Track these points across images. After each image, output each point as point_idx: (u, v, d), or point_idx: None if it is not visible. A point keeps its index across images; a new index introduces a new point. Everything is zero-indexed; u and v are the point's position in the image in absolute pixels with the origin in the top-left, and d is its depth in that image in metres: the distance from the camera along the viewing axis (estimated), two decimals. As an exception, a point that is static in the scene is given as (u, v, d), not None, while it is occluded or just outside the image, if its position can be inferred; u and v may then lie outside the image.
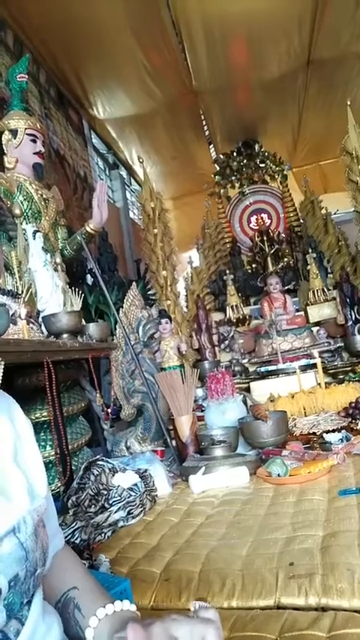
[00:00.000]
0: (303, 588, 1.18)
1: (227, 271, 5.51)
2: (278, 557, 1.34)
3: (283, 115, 7.42)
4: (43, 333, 2.38)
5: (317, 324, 4.69)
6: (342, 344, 4.33)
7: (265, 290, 5.10)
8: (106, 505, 1.92)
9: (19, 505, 0.62)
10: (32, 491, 0.66)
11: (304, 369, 3.79)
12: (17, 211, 2.60)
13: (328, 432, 2.56)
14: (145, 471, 2.23)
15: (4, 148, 2.83)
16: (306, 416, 2.89)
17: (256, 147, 7.19)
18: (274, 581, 1.23)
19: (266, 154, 7.03)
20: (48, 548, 0.67)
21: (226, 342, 4.82)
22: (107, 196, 3.33)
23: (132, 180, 9.50)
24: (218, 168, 7.15)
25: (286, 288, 5.28)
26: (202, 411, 3.17)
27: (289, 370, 3.89)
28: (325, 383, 3.21)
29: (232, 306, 5.10)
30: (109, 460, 2.16)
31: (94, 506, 1.88)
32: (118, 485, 2.01)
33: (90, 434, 2.73)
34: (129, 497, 1.97)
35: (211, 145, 8.38)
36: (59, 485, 2.21)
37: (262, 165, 6.94)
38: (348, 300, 4.30)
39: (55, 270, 2.71)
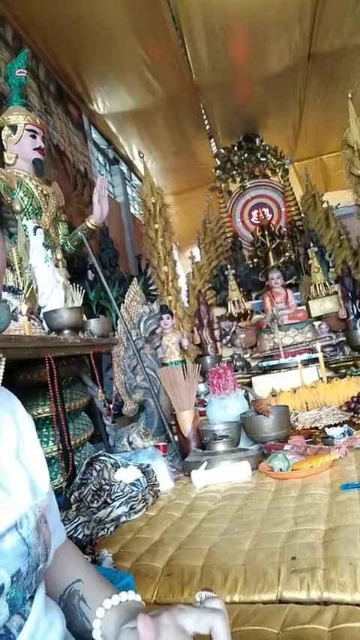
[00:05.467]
0: (305, 582, 1.18)
1: (228, 266, 5.50)
2: (280, 552, 1.35)
3: (284, 109, 7.41)
4: (44, 329, 2.38)
5: (319, 318, 4.69)
6: (344, 338, 4.32)
7: (267, 285, 5.09)
8: (109, 500, 1.92)
9: (21, 501, 0.63)
10: (34, 487, 0.67)
11: (306, 363, 3.79)
12: (17, 207, 2.60)
13: (330, 426, 2.56)
14: (148, 466, 2.23)
15: (4, 143, 2.82)
16: (308, 410, 2.89)
17: (257, 141, 7.16)
18: (276, 576, 1.24)
19: (267, 147, 6.99)
20: (50, 543, 0.68)
21: (228, 337, 4.82)
22: (108, 192, 3.32)
23: (132, 176, 9.48)
24: (219, 162, 7.12)
25: (288, 282, 5.27)
26: (204, 406, 3.17)
27: (290, 365, 3.89)
28: (327, 377, 3.21)
29: (233, 301, 5.09)
30: (111, 455, 2.16)
31: (96, 502, 1.88)
32: (121, 481, 2.01)
33: (92, 429, 2.73)
34: (131, 493, 1.97)
35: (212, 140, 8.35)
36: (62, 480, 2.22)
37: (263, 159, 6.90)
38: (350, 294, 4.29)
39: (56, 266, 2.72)
